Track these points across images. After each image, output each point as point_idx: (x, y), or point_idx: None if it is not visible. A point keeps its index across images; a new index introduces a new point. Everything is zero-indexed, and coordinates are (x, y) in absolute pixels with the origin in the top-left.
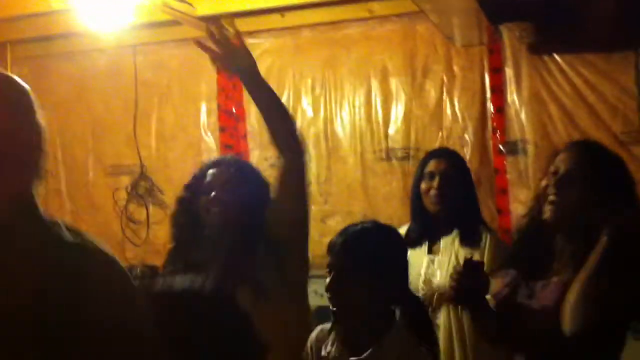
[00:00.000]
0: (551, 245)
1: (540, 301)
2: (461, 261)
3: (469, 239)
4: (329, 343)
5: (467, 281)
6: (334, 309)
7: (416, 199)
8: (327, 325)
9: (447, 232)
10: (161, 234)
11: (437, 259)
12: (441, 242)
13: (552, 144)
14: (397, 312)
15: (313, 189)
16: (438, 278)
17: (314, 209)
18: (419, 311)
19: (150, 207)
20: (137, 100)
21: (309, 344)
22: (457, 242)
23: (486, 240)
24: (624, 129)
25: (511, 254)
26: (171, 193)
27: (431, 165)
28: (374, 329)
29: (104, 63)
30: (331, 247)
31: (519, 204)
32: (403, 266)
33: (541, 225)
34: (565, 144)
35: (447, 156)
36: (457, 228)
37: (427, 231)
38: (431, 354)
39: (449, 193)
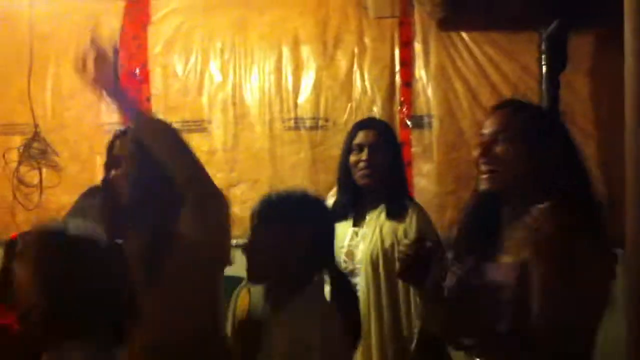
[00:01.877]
0: (498, 221)
1: (492, 284)
2: (385, 233)
3: (395, 213)
4: (251, 299)
5: (413, 258)
6: (249, 267)
7: (344, 171)
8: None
9: (374, 206)
10: (55, 198)
11: (361, 231)
12: (367, 215)
13: (456, 119)
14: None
15: (219, 156)
16: (360, 250)
17: (220, 177)
18: (340, 278)
19: (44, 170)
20: (32, 54)
21: (231, 307)
22: (382, 215)
23: (412, 214)
24: None
25: (457, 234)
26: (67, 155)
27: (360, 137)
28: (291, 289)
29: None
30: (252, 212)
31: (421, 177)
32: (324, 233)
33: (485, 200)
34: (492, 107)
35: (376, 127)
36: (384, 201)
37: (354, 204)
38: (349, 317)
39: (377, 165)
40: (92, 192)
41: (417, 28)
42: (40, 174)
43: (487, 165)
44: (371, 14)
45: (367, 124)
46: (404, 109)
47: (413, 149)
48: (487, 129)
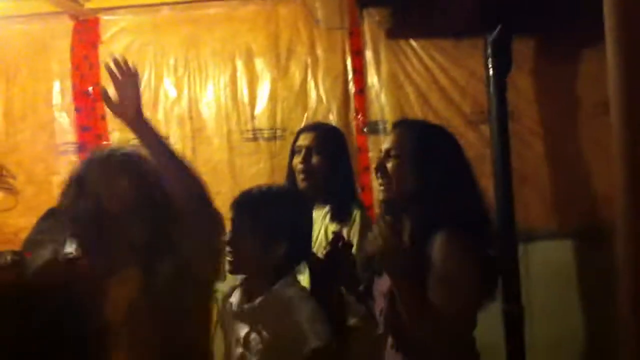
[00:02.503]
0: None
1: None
2: (329, 236)
3: (338, 215)
4: (234, 294)
5: (332, 253)
6: (230, 260)
7: (289, 175)
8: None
9: (320, 207)
10: (12, 221)
11: None
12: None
13: None
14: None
15: None
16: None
17: None
18: (318, 267)
19: (0, 194)
20: None
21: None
22: (327, 218)
23: (355, 217)
24: (473, 109)
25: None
26: (22, 178)
27: (299, 140)
28: (270, 280)
29: None
30: (232, 205)
31: None
32: (303, 226)
33: (389, 209)
34: (392, 125)
35: (317, 130)
36: (328, 203)
37: None
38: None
39: (313, 168)
40: (51, 214)
41: (367, 37)
42: None
43: (380, 179)
44: (322, 25)
45: (309, 127)
46: (359, 116)
47: (370, 154)
48: (383, 145)
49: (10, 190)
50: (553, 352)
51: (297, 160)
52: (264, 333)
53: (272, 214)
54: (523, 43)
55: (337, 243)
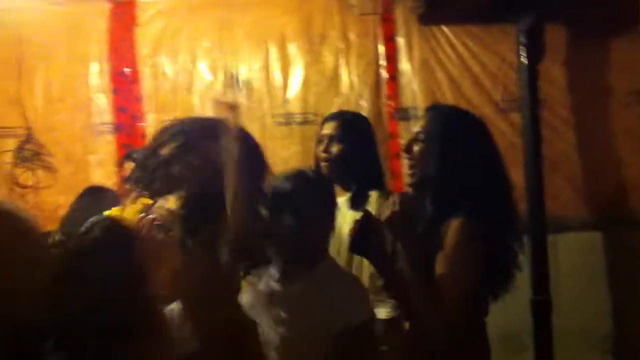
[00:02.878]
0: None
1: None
2: (345, 222)
3: (356, 202)
4: (269, 278)
5: (359, 232)
6: (277, 249)
7: (315, 163)
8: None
9: (342, 194)
10: (51, 199)
11: None
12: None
13: None
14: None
15: None
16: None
17: None
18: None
19: (39, 172)
20: (21, 59)
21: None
22: (346, 205)
23: (375, 203)
24: (504, 97)
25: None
26: (61, 157)
27: (324, 129)
28: (308, 264)
29: None
30: (271, 193)
31: None
32: (333, 209)
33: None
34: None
35: (340, 118)
36: (349, 191)
37: None
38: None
39: (333, 156)
40: (89, 192)
41: (400, 23)
42: (35, 175)
43: (407, 162)
44: (355, 10)
45: (333, 116)
46: (391, 102)
47: (401, 140)
48: (414, 129)
49: (49, 168)
50: (581, 341)
51: (320, 149)
52: (307, 315)
53: (306, 200)
54: (555, 31)
55: (366, 222)
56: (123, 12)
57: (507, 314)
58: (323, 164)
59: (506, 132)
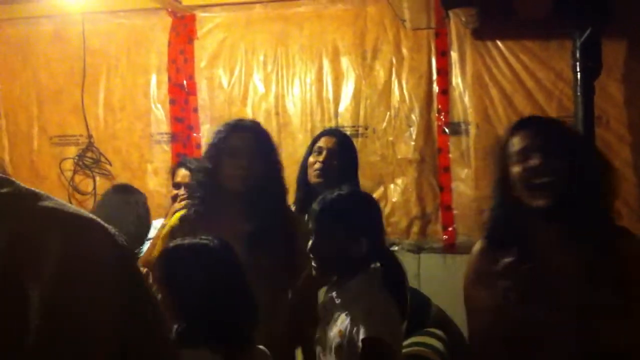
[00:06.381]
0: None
1: None
2: None
3: None
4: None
5: None
6: (314, 264)
7: (302, 171)
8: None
9: None
10: None
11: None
12: None
13: (492, 125)
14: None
15: None
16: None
17: None
18: (393, 266)
19: (98, 178)
20: (84, 70)
21: None
22: None
23: None
24: (559, 113)
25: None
26: (118, 164)
27: (321, 142)
28: (350, 277)
29: (50, 30)
30: (311, 213)
31: (459, 182)
32: (376, 226)
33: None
34: (511, 125)
35: (337, 135)
36: None
37: (309, 201)
38: (396, 302)
39: (332, 167)
40: (118, 190)
41: (453, 37)
42: (94, 182)
43: (542, 177)
44: (408, 25)
45: (330, 132)
46: (442, 116)
47: (450, 155)
48: (525, 141)
49: (107, 176)
50: None
51: (316, 158)
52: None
53: (351, 216)
54: (614, 45)
55: None
56: (183, 26)
57: None
58: (315, 172)
59: None
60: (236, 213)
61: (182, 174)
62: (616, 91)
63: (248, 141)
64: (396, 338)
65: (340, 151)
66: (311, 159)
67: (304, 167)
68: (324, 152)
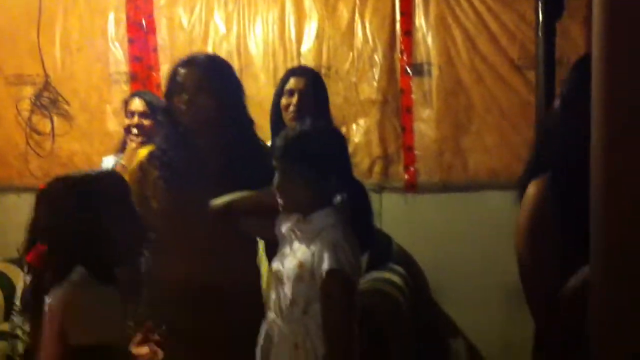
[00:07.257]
0: None
1: None
2: None
3: None
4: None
5: None
6: (281, 202)
7: (275, 114)
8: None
9: None
10: (67, 146)
11: None
12: None
13: (454, 67)
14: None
15: None
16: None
17: None
18: (359, 197)
19: (55, 119)
20: (40, 9)
21: None
22: None
23: None
24: (520, 55)
25: None
26: (77, 105)
27: (291, 83)
28: (312, 210)
29: None
30: (274, 150)
31: (421, 122)
32: (343, 159)
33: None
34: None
35: (307, 75)
36: None
37: None
38: (357, 235)
39: (305, 110)
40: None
41: None
42: (52, 122)
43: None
44: None
45: (298, 72)
46: (404, 57)
47: (413, 96)
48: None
49: (65, 116)
50: None
51: (288, 101)
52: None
53: (318, 153)
54: None
55: None
56: None
57: None
58: (290, 115)
59: (521, 91)
60: (199, 150)
61: (136, 103)
62: (578, 35)
63: (192, 75)
64: (356, 271)
65: (313, 91)
66: (284, 101)
67: (276, 110)
68: (296, 94)
